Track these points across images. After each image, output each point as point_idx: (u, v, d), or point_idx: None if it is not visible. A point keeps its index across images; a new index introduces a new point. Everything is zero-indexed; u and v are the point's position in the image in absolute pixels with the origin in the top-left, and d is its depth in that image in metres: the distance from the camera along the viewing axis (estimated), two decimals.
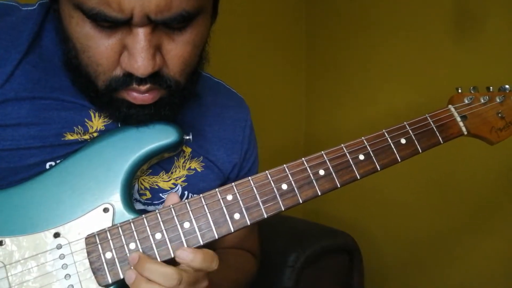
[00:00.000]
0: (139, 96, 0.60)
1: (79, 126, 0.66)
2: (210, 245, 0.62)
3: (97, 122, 0.68)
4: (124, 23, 0.54)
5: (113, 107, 0.63)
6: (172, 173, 0.74)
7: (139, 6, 0.52)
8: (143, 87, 0.59)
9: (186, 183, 0.75)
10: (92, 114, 0.67)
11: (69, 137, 0.66)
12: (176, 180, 0.74)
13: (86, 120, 0.67)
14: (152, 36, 0.56)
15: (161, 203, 0.73)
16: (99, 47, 0.57)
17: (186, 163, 0.75)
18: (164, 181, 0.73)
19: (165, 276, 0.57)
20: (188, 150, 0.76)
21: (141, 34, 0.55)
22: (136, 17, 0.53)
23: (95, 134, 0.67)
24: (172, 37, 0.58)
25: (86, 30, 0.56)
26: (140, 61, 0.56)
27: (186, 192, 0.75)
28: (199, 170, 0.76)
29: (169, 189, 0.73)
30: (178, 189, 0.74)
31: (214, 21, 0.68)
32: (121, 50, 0.57)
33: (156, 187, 0.73)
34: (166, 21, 0.55)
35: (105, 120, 0.68)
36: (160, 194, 0.73)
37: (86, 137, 0.67)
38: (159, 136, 0.65)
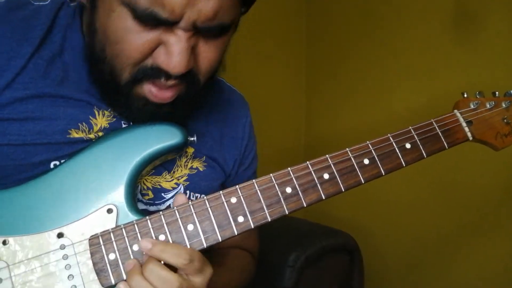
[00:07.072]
0: (159, 94, 0.62)
1: (84, 123, 0.66)
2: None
3: (101, 120, 0.67)
4: (170, 23, 0.57)
5: (128, 102, 0.64)
6: (174, 172, 0.74)
7: (190, 13, 0.55)
8: (170, 82, 0.61)
9: (188, 182, 0.75)
10: (96, 112, 0.67)
11: (74, 134, 0.65)
12: (178, 180, 0.74)
13: (90, 117, 0.67)
14: (191, 39, 0.59)
15: (163, 203, 0.73)
16: (136, 41, 0.59)
17: (188, 162, 0.75)
18: (166, 181, 0.73)
19: (165, 282, 0.56)
20: (190, 150, 0.76)
21: (183, 36, 0.58)
22: (185, 22, 0.56)
23: (99, 133, 0.67)
24: (207, 41, 0.61)
25: (127, 24, 0.58)
26: (177, 61, 0.58)
27: (188, 192, 0.75)
28: (201, 169, 0.76)
29: (171, 188, 0.73)
30: (180, 189, 0.74)
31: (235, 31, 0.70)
32: (156, 45, 0.59)
33: (159, 187, 0.72)
34: (209, 29, 0.59)
35: (109, 118, 0.68)
36: (162, 194, 0.73)
37: (91, 136, 0.66)
38: (164, 137, 0.65)
